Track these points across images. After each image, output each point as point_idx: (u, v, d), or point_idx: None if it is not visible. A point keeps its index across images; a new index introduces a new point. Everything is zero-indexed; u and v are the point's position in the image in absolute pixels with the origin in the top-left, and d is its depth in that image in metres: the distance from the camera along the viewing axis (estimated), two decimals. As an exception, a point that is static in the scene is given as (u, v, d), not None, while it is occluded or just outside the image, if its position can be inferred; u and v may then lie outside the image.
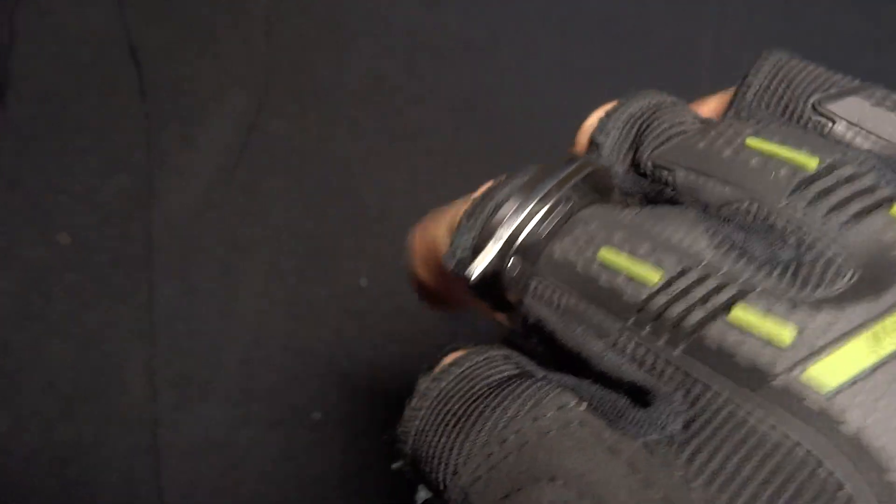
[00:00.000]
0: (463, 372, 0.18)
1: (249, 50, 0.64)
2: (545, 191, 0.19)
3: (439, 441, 0.17)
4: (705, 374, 0.15)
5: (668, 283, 0.16)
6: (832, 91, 0.20)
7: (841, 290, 0.16)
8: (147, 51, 0.62)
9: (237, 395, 0.57)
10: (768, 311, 0.15)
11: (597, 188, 0.20)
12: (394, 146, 0.65)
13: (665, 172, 0.19)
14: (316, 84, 0.65)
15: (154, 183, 0.61)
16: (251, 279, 0.60)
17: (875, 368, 0.14)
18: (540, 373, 0.18)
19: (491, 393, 0.17)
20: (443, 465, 0.17)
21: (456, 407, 0.17)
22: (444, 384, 0.18)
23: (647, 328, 0.16)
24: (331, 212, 0.62)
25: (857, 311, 0.15)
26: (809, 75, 0.20)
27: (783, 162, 0.18)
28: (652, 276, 0.17)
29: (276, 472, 0.57)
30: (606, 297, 0.17)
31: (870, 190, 0.17)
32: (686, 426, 0.15)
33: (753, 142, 0.19)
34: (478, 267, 0.19)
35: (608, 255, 0.18)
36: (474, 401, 0.17)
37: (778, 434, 0.14)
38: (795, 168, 0.18)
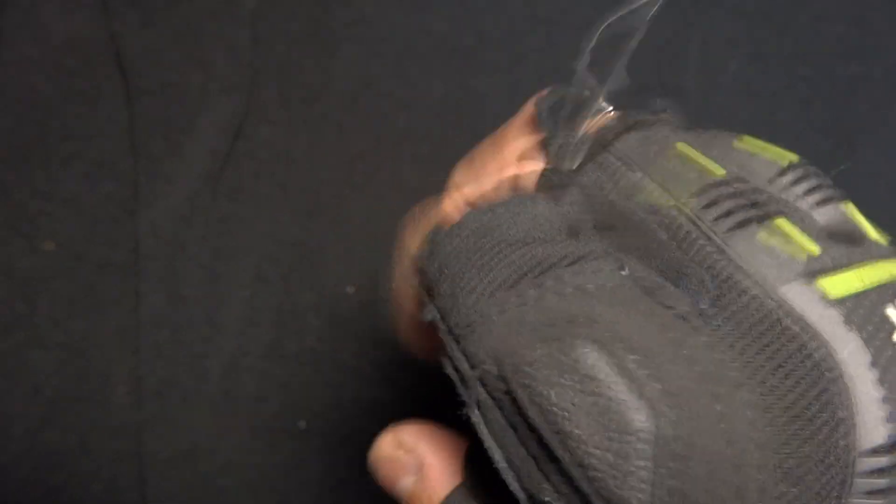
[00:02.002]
0: (516, 209, 0.20)
1: (236, 56, 0.64)
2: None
3: (468, 267, 0.18)
4: (742, 259, 0.18)
5: (728, 181, 0.19)
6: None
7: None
8: (132, 57, 0.62)
9: (222, 402, 0.58)
10: (804, 229, 0.19)
11: None
12: (380, 152, 0.65)
13: None
14: (303, 90, 0.65)
15: (140, 190, 0.61)
16: (237, 286, 0.60)
17: (862, 293, 0.18)
18: (585, 235, 0.20)
19: (536, 240, 0.19)
20: (472, 281, 0.18)
21: (497, 241, 0.19)
22: (490, 216, 0.20)
23: (699, 206, 0.19)
24: (317, 218, 0.62)
25: (850, 253, 0.19)
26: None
27: (766, 155, 0.22)
28: (718, 170, 0.20)
29: (261, 479, 0.57)
30: (671, 176, 0.20)
31: (826, 185, 0.22)
32: (713, 304, 0.17)
33: (746, 141, 0.22)
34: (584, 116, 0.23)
35: (684, 148, 0.21)
36: (516, 243, 0.18)
37: (795, 327, 0.17)
38: (772, 161, 0.21)
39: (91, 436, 0.57)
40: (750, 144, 0.23)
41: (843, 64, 0.68)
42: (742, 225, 0.18)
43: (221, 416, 0.58)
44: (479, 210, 0.20)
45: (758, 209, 0.19)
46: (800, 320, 0.17)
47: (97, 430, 0.57)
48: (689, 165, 0.20)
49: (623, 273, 0.18)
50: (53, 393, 0.57)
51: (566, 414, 0.15)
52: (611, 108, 0.23)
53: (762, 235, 0.18)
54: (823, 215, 0.21)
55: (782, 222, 0.19)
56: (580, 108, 0.23)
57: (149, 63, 0.63)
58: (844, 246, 0.19)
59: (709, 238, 0.18)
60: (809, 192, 0.21)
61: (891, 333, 0.17)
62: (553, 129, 0.23)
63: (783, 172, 0.21)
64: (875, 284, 0.18)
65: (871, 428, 0.16)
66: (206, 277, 0.60)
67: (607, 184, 0.21)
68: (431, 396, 0.60)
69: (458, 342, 0.18)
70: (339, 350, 0.60)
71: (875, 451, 0.16)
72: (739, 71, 0.68)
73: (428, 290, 0.19)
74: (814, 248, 0.18)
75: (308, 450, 0.58)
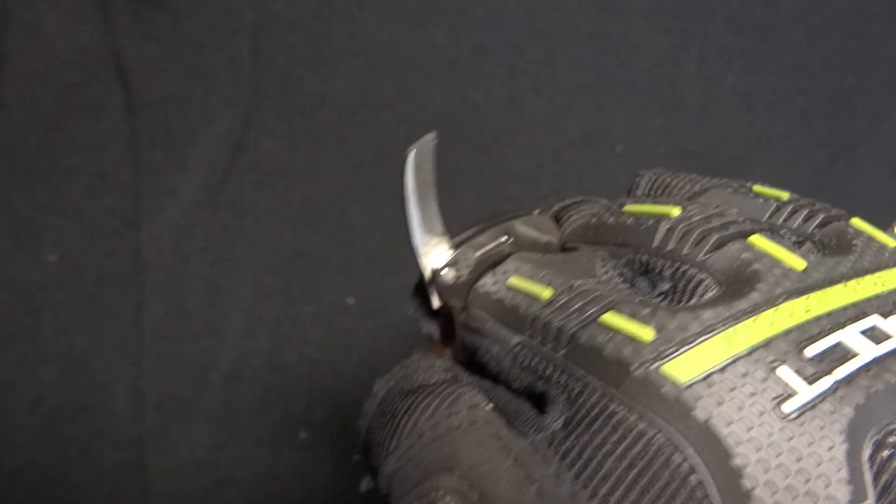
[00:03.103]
0: (404, 371, 0.21)
1: (237, 69, 0.65)
2: (475, 240, 0.22)
3: (379, 433, 0.19)
4: (582, 372, 0.17)
5: (555, 298, 0.19)
6: (696, 188, 0.23)
7: (702, 302, 0.18)
8: (135, 71, 0.63)
9: (223, 413, 0.58)
10: (634, 315, 0.17)
11: (535, 243, 0.24)
12: (380, 164, 0.65)
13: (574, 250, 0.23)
14: (303, 102, 0.66)
15: (142, 202, 0.61)
16: (238, 298, 0.60)
17: (727, 364, 0.16)
18: (466, 378, 0.20)
19: (421, 391, 0.19)
20: (379, 455, 0.19)
21: (394, 403, 0.20)
22: (390, 383, 0.21)
23: (539, 338, 0.19)
24: (317, 230, 0.63)
25: (710, 315, 0.17)
26: (681, 180, 0.24)
27: (651, 215, 0.21)
28: (544, 292, 0.19)
29: (262, 491, 0.57)
30: (510, 314, 0.20)
31: (729, 224, 0.20)
32: (566, 424, 0.17)
33: (630, 207, 0.22)
34: (433, 303, 0.22)
35: (514, 280, 0.21)
36: (405, 397, 0.19)
37: (641, 424, 0.16)
38: (660, 217, 0.21)
39: (93, 447, 0.57)
40: (634, 210, 0.22)
41: (841, 76, 0.68)
42: (570, 338, 0.18)
43: (222, 428, 0.58)
44: (386, 376, 0.21)
45: (581, 315, 0.18)
46: (654, 417, 0.16)
47: (99, 441, 0.57)
48: (516, 298, 0.20)
49: (487, 408, 0.18)
50: (56, 404, 0.58)
51: None
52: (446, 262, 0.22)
53: (587, 338, 0.18)
54: (722, 257, 0.19)
55: (609, 318, 0.18)
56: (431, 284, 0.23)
57: (150, 77, 0.63)
58: (710, 306, 0.18)
59: (553, 365, 0.18)
60: (699, 239, 0.19)
61: (778, 402, 0.16)
62: (426, 318, 0.24)
63: (668, 231, 0.20)
64: (748, 347, 0.16)
65: None
66: (207, 289, 0.60)
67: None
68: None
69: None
70: (340, 360, 0.60)
71: None
72: (737, 83, 0.68)
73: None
74: (644, 332, 0.17)
75: (309, 460, 0.58)
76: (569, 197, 0.25)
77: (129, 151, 0.62)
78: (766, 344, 0.16)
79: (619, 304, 0.18)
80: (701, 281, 0.19)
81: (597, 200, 0.25)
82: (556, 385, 0.18)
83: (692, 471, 0.15)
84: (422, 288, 0.23)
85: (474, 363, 0.21)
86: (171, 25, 0.64)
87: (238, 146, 0.64)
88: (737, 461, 0.15)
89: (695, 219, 0.20)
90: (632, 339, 0.17)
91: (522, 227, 0.23)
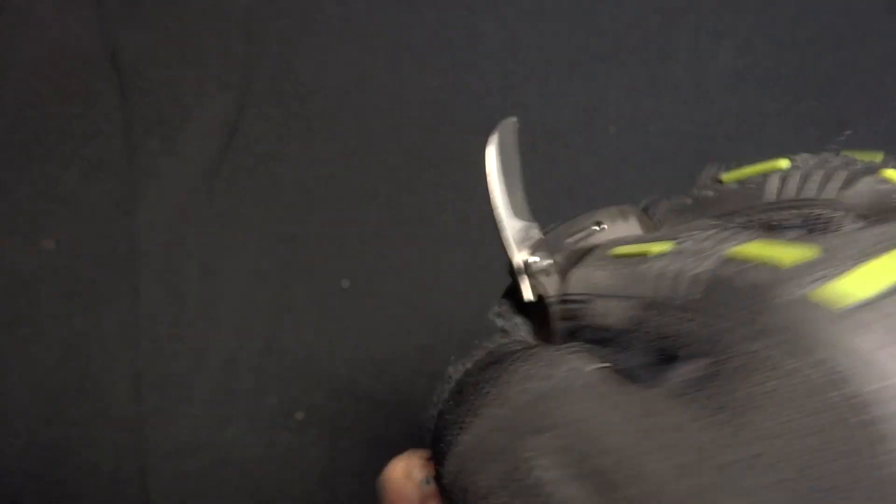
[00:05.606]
0: (486, 349, 0.19)
1: (229, 53, 0.65)
2: (565, 227, 0.21)
3: (453, 413, 0.17)
4: (725, 310, 0.15)
5: (676, 248, 0.17)
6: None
7: (852, 229, 0.17)
8: (127, 57, 0.63)
9: (220, 395, 0.59)
10: (788, 241, 0.15)
11: (626, 233, 0.22)
12: (374, 146, 0.66)
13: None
14: (296, 86, 0.66)
15: (137, 187, 0.62)
16: (234, 282, 0.61)
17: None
18: (570, 345, 0.18)
19: (507, 358, 0.17)
20: (451, 435, 0.17)
21: (474, 377, 0.18)
22: (467, 364, 0.19)
23: (664, 293, 0.16)
24: (312, 214, 0.63)
25: (874, 235, 0.15)
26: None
27: (756, 175, 0.20)
28: (660, 247, 0.17)
29: (259, 471, 0.58)
30: (622, 281, 0.18)
31: (848, 163, 0.19)
32: (699, 372, 0.14)
33: (729, 175, 0.21)
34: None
35: (619, 250, 0.19)
36: (486, 368, 0.18)
37: (791, 360, 0.13)
38: (770, 171, 0.19)
39: (93, 430, 0.58)
40: (734, 177, 0.20)
41: (832, 53, 0.68)
42: (706, 279, 0.16)
43: (220, 409, 0.59)
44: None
45: (717, 253, 0.16)
46: (810, 347, 0.13)
47: (99, 424, 0.58)
48: (630, 261, 0.18)
49: (597, 367, 0.16)
50: (56, 388, 0.58)
51: None
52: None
53: (727, 272, 0.15)
54: (858, 191, 0.18)
55: (753, 248, 0.15)
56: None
57: (144, 62, 0.63)
58: (870, 227, 0.16)
59: (691, 313, 0.15)
60: (826, 179, 0.18)
61: None
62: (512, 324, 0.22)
63: (781, 183, 0.19)
64: None
65: None
66: (203, 273, 0.61)
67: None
68: (424, 388, 0.61)
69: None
70: (335, 343, 0.61)
71: None
72: (729, 62, 0.68)
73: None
74: (809, 253, 0.14)
75: (305, 441, 0.59)
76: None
77: (123, 137, 0.62)
78: None
79: (761, 237, 0.16)
80: (837, 218, 0.17)
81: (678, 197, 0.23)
82: (696, 337, 0.15)
83: (865, 407, 0.13)
84: (513, 286, 0.21)
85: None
86: (163, 11, 0.64)
87: (232, 131, 0.64)
88: None
89: (811, 162, 0.19)
90: (775, 267, 0.14)
91: (611, 217, 0.22)
